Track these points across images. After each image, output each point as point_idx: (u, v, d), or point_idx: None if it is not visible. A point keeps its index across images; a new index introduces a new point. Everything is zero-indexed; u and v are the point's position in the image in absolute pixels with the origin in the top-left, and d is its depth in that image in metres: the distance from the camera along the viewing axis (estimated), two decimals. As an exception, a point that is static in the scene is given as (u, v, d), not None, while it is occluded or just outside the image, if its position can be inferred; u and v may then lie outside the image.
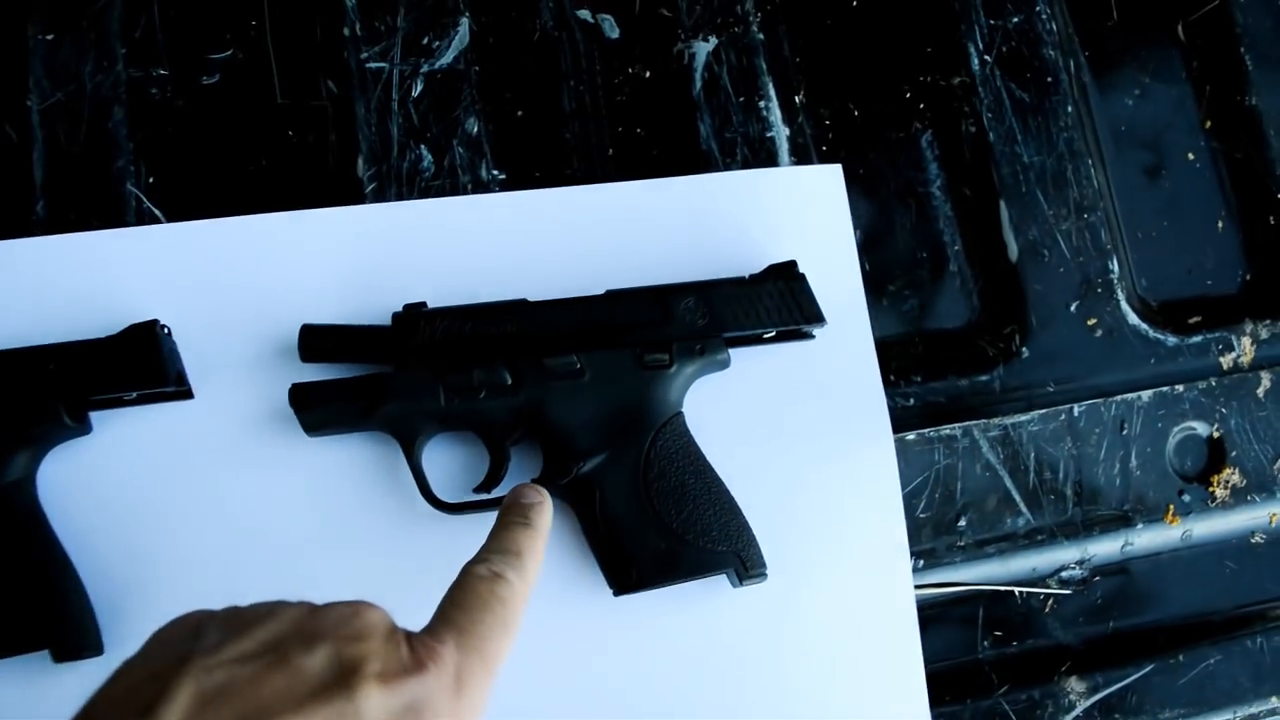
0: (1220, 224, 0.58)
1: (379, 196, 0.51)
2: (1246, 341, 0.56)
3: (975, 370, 0.53)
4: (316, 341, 0.46)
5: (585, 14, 0.55)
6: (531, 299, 0.47)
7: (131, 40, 0.51)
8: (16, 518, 0.43)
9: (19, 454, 0.43)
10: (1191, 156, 0.59)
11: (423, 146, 0.52)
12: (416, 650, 0.29)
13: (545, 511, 0.39)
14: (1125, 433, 0.53)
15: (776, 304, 0.48)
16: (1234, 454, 0.54)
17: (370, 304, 0.48)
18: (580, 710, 0.46)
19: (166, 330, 0.45)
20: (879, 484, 0.50)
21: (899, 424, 0.51)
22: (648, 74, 0.55)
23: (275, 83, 0.52)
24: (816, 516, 0.49)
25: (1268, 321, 0.56)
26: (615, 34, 0.55)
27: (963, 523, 0.52)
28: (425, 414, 0.45)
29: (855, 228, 0.53)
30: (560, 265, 0.50)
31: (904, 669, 0.48)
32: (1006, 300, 0.55)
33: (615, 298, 0.47)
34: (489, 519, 0.46)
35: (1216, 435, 0.54)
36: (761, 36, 0.56)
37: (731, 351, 0.48)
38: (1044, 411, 0.53)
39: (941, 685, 0.50)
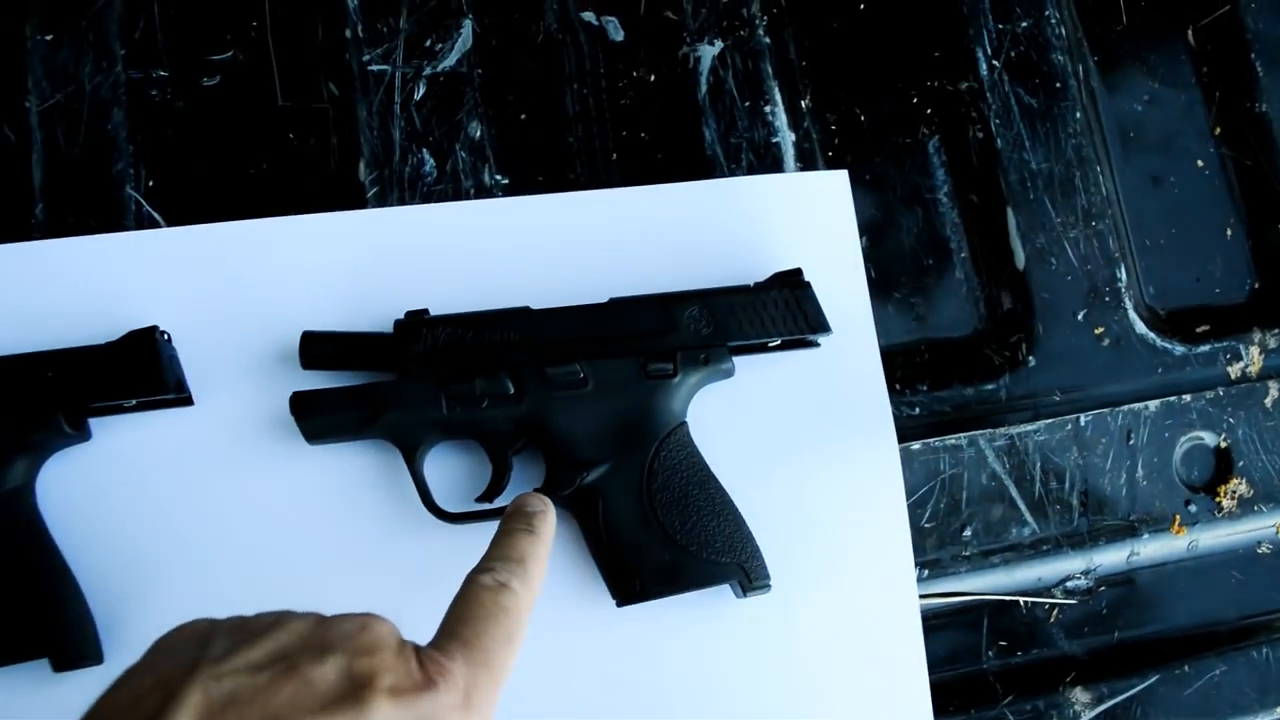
0: (1229, 232, 0.58)
1: (381, 201, 0.50)
2: (1255, 351, 0.55)
3: (981, 379, 0.53)
4: (317, 348, 0.45)
5: (589, 16, 0.54)
6: (534, 306, 0.47)
7: (131, 41, 0.51)
8: (15, 525, 0.42)
9: (17, 461, 0.43)
10: (1200, 163, 0.58)
11: (425, 150, 0.51)
12: (426, 666, 0.28)
13: (549, 519, 0.39)
14: (1132, 442, 0.53)
15: (782, 313, 0.47)
16: (1241, 464, 0.54)
17: (371, 310, 0.47)
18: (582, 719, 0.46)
19: (166, 336, 0.45)
20: (884, 494, 0.49)
21: (904, 433, 0.50)
22: (652, 78, 0.54)
23: (276, 85, 0.51)
24: (820, 526, 0.49)
25: (1276, 331, 0.56)
26: (619, 37, 0.54)
27: (968, 532, 0.51)
28: (427, 423, 0.44)
29: (861, 234, 0.53)
30: (563, 272, 0.49)
31: (908, 679, 0.48)
32: (1013, 308, 0.54)
33: (619, 306, 0.47)
34: (491, 528, 0.46)
35: (1224, 445, 0.54)
36: (768, 40, 0.55)
37: (736, 360, 0.47)
38: (1050, 421, 0.52)
39: (947, 695, 0.50)
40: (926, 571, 0.51)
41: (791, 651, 0.47)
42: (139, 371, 0.44)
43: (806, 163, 0.54)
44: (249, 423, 0.46)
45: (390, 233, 0.49)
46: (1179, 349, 0.54)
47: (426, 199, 0.51)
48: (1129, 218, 0.57)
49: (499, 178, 0.52)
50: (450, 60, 0.53)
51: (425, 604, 0.45)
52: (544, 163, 0.52)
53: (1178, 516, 0.53)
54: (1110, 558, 0.53)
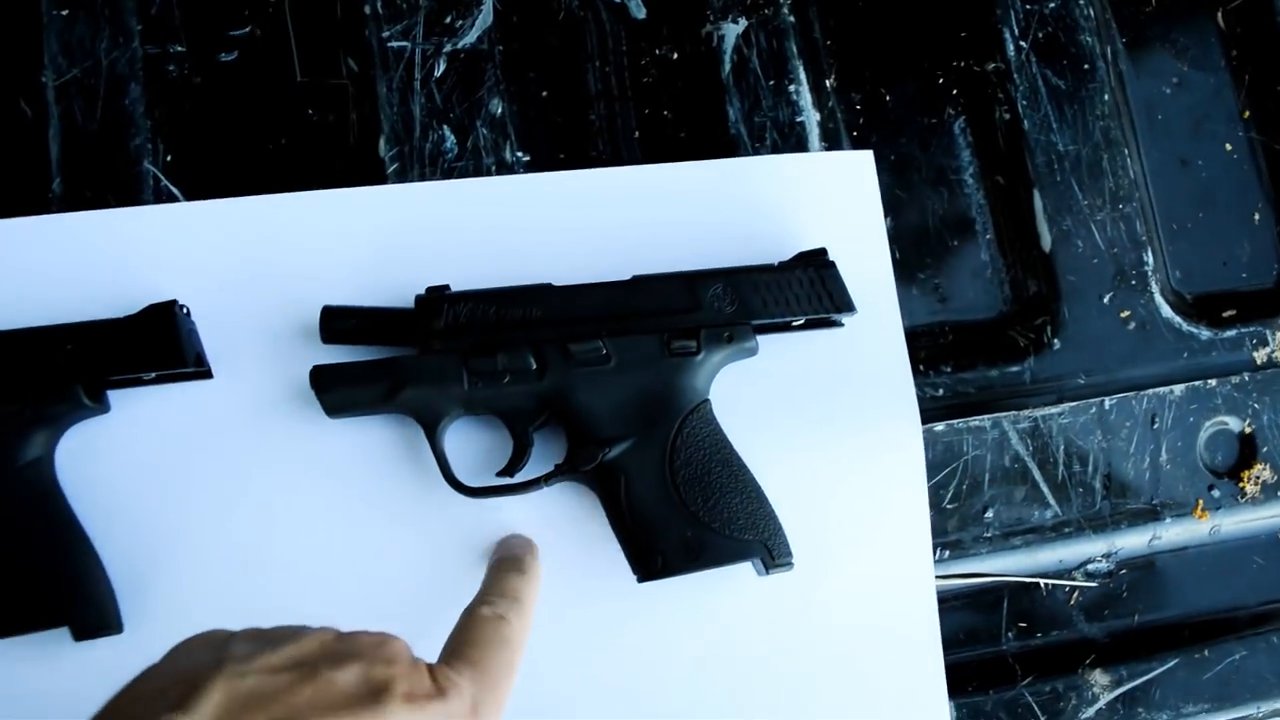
0: (1257, 216, 0.57)
1: (401, 177, 0.50)
2: (1281, 336, 0.55)
3: (1006, 361, 0.52)
4: (338, 323, 0.45)
5: (612, -8, 0.54)
6: (556, 283, 0.46)
7: (147, 16, 0.50)
8: (35, 496, 0.42)
9: (37, 433, 0.42)
10: (1229, 147, 0.57)
11: (445, 127, 0.51)
12: (438, 679, 0.31)
13: (536, 556, 0.43)
14: (1156, 426, 0.53)
15: (806, 292, 0.47)
16: (1265, 450, 0.54)
17: (392, 285, 0.47)
18: (602, 696, 0.46)
19: (185, 310, 0.45)
20: (906, 474, 0.49)
21: (928, 414, 0.50)
22: (675, 55, 0.54)
23: (295, 60, 0.51)
24: (841, 505, 0.48)
25: (1303, 316, 0.55)
26: (642, 14, 0.54)
27: (990, 514, 0.51)
28: (448, 398, 0.44)
29: (885, 214, 0.52)
30: (585, 249, 0.49)
31: (922, 658, 0.48)
32: (1039, 291, 0.54)
33: (642, 283, 0.46)
34: (510, 503, 0.46)
35: (1248, 430, 0.54)
36: (792, 19, 0.55)
37: (759, 338, 0.47)
38: (1075, 404, 0.52)
39: (965, 675, 0.50)
40: (948, 552, 0.50)
41: (806, 627, 0.47)
42: (158, 345, 0.43)
43: (831, 143, 0.53)
44: (268, 396, 0.46)
45: (411, 208, 0.49)
46: (1205, 333, 0.54)
47: (447, 175, 0.50)
48: (1156, 201, 0.56)
49: (520, 155, 0.51)
50: (471, 37, 0.52)
51: (443, 576, 0.45)
52: (566, 140, 0.52)
53: (1200, 501, 0.53)
54: (1132, 541, 0.52)
